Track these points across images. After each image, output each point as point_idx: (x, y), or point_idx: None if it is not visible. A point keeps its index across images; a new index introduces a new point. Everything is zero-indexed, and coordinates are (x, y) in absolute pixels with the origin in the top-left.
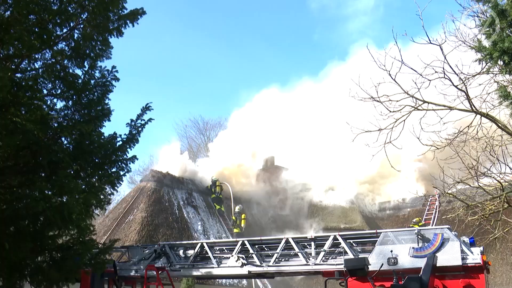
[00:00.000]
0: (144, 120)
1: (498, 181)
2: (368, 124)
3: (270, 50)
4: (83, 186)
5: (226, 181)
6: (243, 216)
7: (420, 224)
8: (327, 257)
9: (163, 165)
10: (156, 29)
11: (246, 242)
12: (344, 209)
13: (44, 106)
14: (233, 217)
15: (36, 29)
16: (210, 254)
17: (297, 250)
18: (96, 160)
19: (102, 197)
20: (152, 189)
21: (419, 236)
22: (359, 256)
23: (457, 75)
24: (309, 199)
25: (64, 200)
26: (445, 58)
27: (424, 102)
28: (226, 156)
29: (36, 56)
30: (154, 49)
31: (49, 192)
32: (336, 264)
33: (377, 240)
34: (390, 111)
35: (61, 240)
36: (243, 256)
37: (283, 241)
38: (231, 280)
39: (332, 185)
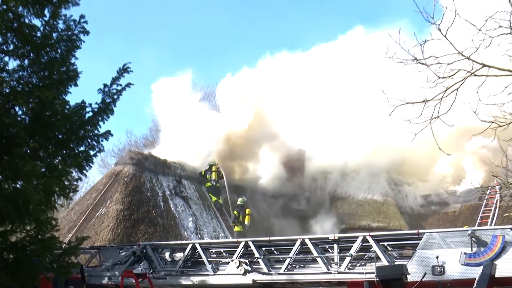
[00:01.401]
0: (120, 85)
1: None
2: (410, 94)
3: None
4: (43, 169)
5: (227, 160)
6: (247, 211)
7: None
8: (354, 263)
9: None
10: None
11: (251, 244)
12: (376, 202)
13: None
14: (235, 212)
15: None
16: (204, 258)
17: (315, 254)
18: (60, 136)
19: (67, 183)
20: (130, 175)
21: (473, 239)
22: (395, 263)
23: None
24: (331, 189)
25: (19, 187)
26: None
27: (484, 66)
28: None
29: None
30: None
31: (0, 177)
32: (366, 273)
33: (418, 243)
34: (439, 77)
35: (14, 237)
36: (246, 261)
37: (298, 242)
38: None
39: (361, 173)
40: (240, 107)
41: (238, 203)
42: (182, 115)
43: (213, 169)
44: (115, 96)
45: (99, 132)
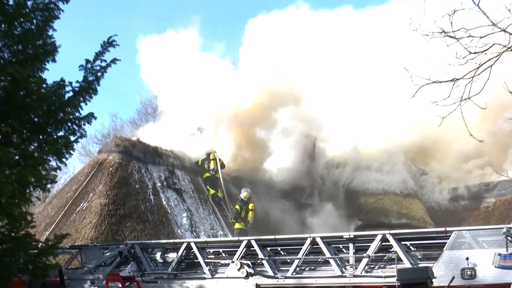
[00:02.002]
0: (105, 61)
1: None
2: (437, 72)
3: None
4: (17, 157)
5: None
6: (250, 206)
7: None
8: (372, 265)
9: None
10: None
11: (254, 243)
12: (397, 197)
13: None
14: (237, 207)
15: None
16: (200, 259)
17: (328, 255)
18: (36, 119)
19: (44, 173)
20: (116, 164)
21: (509, 238)
22: (419, 266)
23: None
24: (345, 181)
25: None
26: None
27: None
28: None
29: None
30: None
31: None
32: (385, 277)
33: (446, 243)
34: (471, 53)
35: None
36: (249, 262)
37: (308, 241)
38: None
39: (380, 162)
40: (264, 56)
41: (242, 197)
42: (183, 78)
43: (211, 157)
44: (99, 74)
45: (81, 114)
